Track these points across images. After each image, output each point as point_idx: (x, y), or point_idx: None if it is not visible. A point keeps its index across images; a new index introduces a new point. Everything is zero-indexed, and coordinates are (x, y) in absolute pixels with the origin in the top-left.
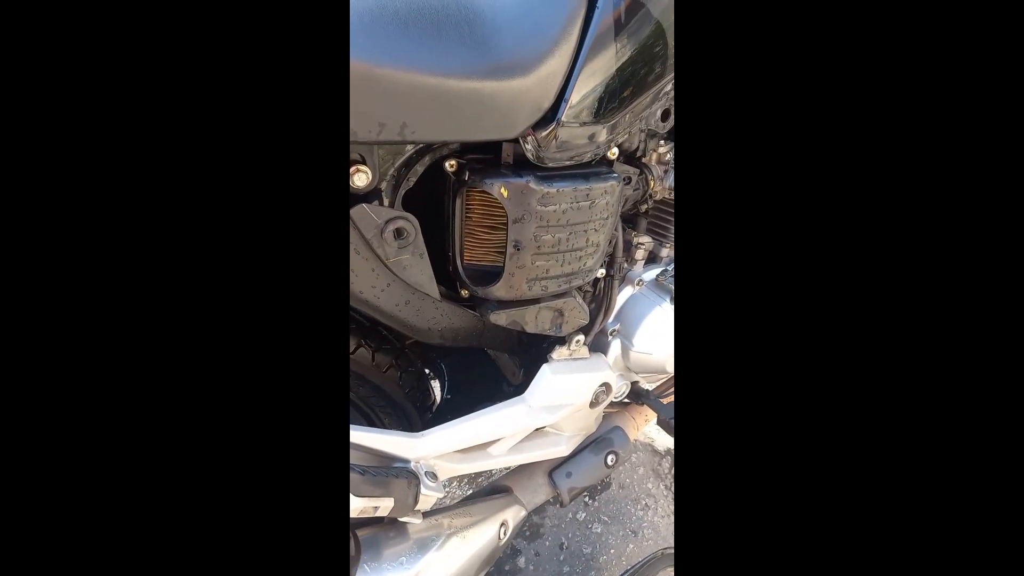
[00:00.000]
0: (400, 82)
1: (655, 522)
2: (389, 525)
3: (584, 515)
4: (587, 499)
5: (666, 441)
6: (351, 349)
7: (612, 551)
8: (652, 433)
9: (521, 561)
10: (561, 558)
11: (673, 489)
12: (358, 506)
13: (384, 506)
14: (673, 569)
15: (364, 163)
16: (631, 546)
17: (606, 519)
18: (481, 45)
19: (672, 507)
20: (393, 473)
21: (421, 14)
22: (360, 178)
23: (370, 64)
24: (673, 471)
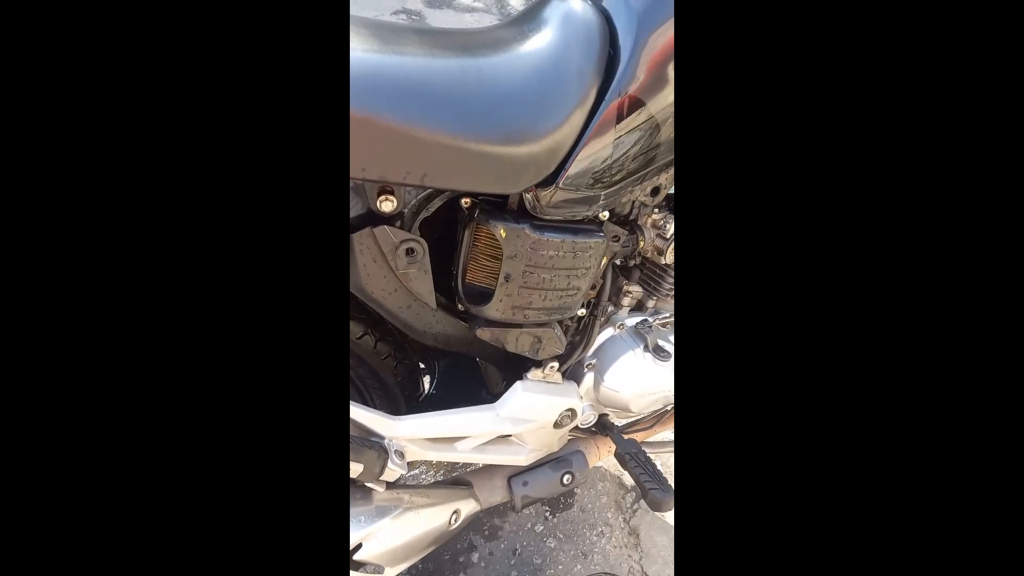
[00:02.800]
0: (424, 141)
1: (606, 549)
2: (358, 489)
3: (542, 528)
4: (548, 514)
5: None
6: (359, 335)
7: (560, 567)
8: (621, 468)
9: (475, 556)
10: (512, 562)
11: (630, 523)
12: None
13: (355, 469)
14: None
15: (393, 194)
16: (579, 566)
17: (561, 536)
18: (496, 114)
19: (625, 540)
20: (368, 444)
21: (446, 87)
22: (387, 205)
23: (402, 125)
24: (634, 507)
